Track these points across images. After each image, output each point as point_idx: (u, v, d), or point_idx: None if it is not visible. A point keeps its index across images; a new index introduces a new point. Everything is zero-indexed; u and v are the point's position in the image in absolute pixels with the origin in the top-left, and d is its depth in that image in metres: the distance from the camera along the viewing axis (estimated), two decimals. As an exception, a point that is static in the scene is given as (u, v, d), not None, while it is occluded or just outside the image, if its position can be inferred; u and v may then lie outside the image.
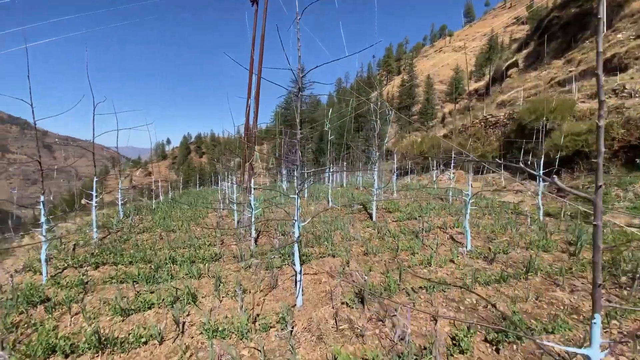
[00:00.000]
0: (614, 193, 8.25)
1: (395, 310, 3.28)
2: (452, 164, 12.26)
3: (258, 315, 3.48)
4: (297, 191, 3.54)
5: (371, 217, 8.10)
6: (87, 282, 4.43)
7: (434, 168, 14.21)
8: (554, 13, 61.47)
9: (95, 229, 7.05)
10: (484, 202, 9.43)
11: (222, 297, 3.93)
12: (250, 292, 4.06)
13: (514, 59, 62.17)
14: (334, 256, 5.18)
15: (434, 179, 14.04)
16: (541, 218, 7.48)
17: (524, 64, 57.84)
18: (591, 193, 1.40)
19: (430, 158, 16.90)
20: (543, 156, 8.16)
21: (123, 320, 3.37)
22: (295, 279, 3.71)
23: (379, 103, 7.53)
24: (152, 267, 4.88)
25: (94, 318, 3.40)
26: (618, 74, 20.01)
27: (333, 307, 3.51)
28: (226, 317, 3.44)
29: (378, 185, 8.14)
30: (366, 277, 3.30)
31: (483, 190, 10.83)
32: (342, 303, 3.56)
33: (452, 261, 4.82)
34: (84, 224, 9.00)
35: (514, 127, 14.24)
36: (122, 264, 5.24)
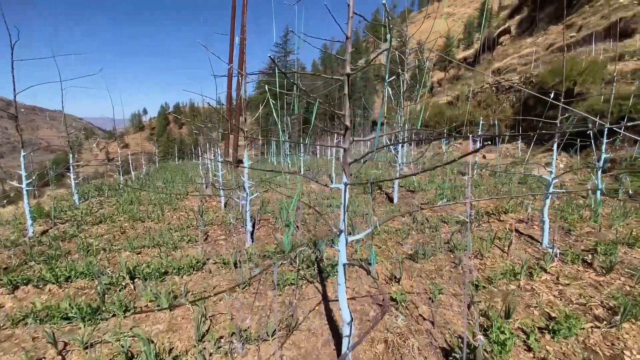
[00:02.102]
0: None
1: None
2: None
3: (278, 405, 1.91)
4: (346, 179, 1.85)
5: (391, 200, 6.55)
6: (-20, 326, 2.69)
7: (445, 139, 12.74)
8: (548, -24, 58.88)
9: (30, 221, 5.18)
10: (505, 176, 8.05)
11: (211, 352, 2.32)
12: (256, 340, 2.45)
13: (506, 26, 60.20)
14: (369, 263, 3.61)
15: (444, 150, 12.57)
16: (598, 197, 6.15)
17: (517, 31, 56.03)
18: None
19: (440, 128, 15.33)
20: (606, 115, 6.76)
21: None
22: (341, 329, 2.12)
23: (409, 50, 5.69)
24: (100, 289, 3.16)
25: None
26: (618, 39, 18.66)
27: (412, 384, 1.97)
28: (219, 414, 1.85)
29: (402, 159, 6.51)
30: (482, 339, 1.76)
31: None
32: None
33: (544, 270, 3.35)
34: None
35: (533, 92, 12.75)
36: (55, 282, 3.49)
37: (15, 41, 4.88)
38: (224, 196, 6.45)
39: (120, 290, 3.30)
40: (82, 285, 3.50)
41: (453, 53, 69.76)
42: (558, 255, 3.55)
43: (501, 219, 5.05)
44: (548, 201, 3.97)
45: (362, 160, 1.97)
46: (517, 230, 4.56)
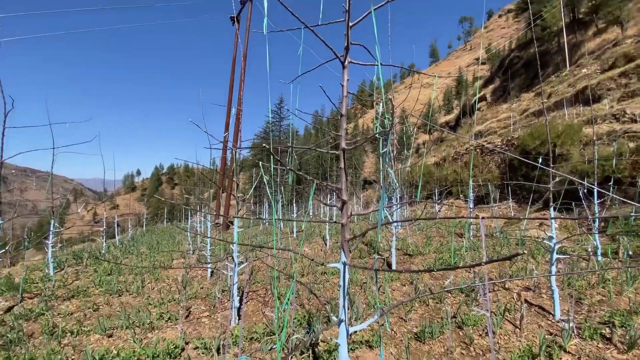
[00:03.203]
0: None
1: None
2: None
3: None
4: (345, 258, 1.68)
5: (389, 265, 6.24)
6: None
7: (436, 198, 12.86)
8: (514, 53, 66.75)
9: (-8, 298, 4.68)
10: (503, 237, 7.89)
11: None
12: None
13: (481, 94, 66.15)
14: (371, 347, 3.22)
15: (437, 210, 12.57)
16: (599, 258, 5.97)
17: (492, 98, 61.39)
18: None
19: (430, 187, 15.54)
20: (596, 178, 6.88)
21: None
22: None
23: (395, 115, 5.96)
24: (55, 386, 2.68)
25: None
26: (591, 103, 20.47)
27: None
28: None
29: (398, 220, 6.36)
30: None
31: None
32: None
33: (563, 349, 3.02)
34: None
35: (516, 154, 13.38)
36: (4, 378, 2.98)
37: (9, 110, 4.93)
38: (210, 265, 6.07)
39: (80, 388, 2.81)
40: (37, 382, 2.99)
41: (435, 118, 75.16)
42: (575, 330, 3.24)
43: (506, 286, 4.76)
44: (554, 268, 3.78)
45: (361, 236, 1.82)
46: (525, 300, 4.26)
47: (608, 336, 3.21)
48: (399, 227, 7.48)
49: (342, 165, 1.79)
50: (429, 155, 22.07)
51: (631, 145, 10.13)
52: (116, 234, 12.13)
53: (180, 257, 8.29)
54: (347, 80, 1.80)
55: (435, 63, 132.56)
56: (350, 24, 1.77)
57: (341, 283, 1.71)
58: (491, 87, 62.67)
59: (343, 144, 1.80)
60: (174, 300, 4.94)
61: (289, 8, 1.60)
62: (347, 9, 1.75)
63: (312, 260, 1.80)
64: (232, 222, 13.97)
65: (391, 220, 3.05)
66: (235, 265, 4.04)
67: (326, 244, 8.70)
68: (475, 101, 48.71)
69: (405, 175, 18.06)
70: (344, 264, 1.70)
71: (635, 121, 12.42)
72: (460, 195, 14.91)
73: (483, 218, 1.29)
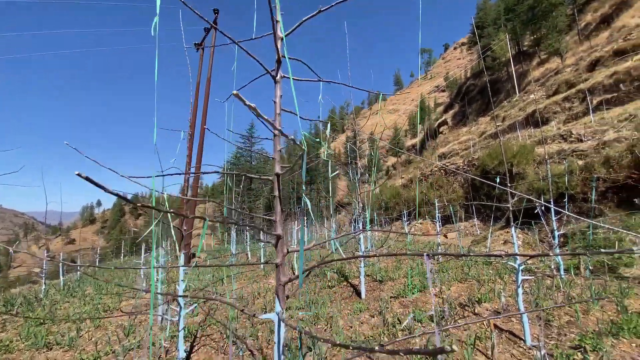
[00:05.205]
0: (627, 238, 7.35)
1: None
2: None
3: None
4: (280, 307, 1.37)
5: (358, 294, 5.91)
6: None
7: (405, 218, 12.86)
8: (469, 81, 71.81)
9: None
10: (470, 257, 7.90)
11: None
12: None
13: (443, 118, 70.19)
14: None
15: (406, 230, 12.54)
16: (562, 275, 6.03)
17: (453, 122, 65.13)
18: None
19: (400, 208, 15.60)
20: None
21: None
22: None
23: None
24: None
25: None
26: (541, 125, 22.16)
27: None
28: None
29: (368, 245, 6.13)
30: None
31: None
32: None
33: (539, 383, 2.81)
34: None
35: (477, 173, 13.88)
36: None
37: None
38: (161, 301, 5.41)
39: None
40: None
41: (402, 142, 78.23)
42: (547, 358, 3.07)
43: (476, 311, 4.58)
44: (520, 290, 3.66)
45: (297, 278, 1.53)
46: (496, 326, 4.09)
47: (583, 364, 3.06)
48: (369, 251, 7.25)
49: (276, 192, 1.53)
50: (398, 177, 22.49)
51: (580, 163, 10.79)
52: (61, 274, 10.86)
53: (131, 298, 7.45)
54: (280, 96, 1.58)
55: (400, 90, 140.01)
56: (281, 35, 1.57)
57: (276, 339, 1.38)
58: (451, 112, 66.57)
59: (277, 169, 1.54)
60: (112, 352, 4.26)
61: (225, 33, 1.37)
62: (277, 18, 1.55)
63: (242, 311, 1.47)
64: (194, 255, 13.08)
65: (355, 255, 2.75)
66: (181, 308, 3.55)
67: (294, 273, 8.24)
68: (435, 128, 51.60)
69: (375, 198, 18.14)
70: (278, 315, 1.38)
71: (581, 140, 13.39)
72: (427, 216, 15.09)
73: (429, 255, 1.07)
